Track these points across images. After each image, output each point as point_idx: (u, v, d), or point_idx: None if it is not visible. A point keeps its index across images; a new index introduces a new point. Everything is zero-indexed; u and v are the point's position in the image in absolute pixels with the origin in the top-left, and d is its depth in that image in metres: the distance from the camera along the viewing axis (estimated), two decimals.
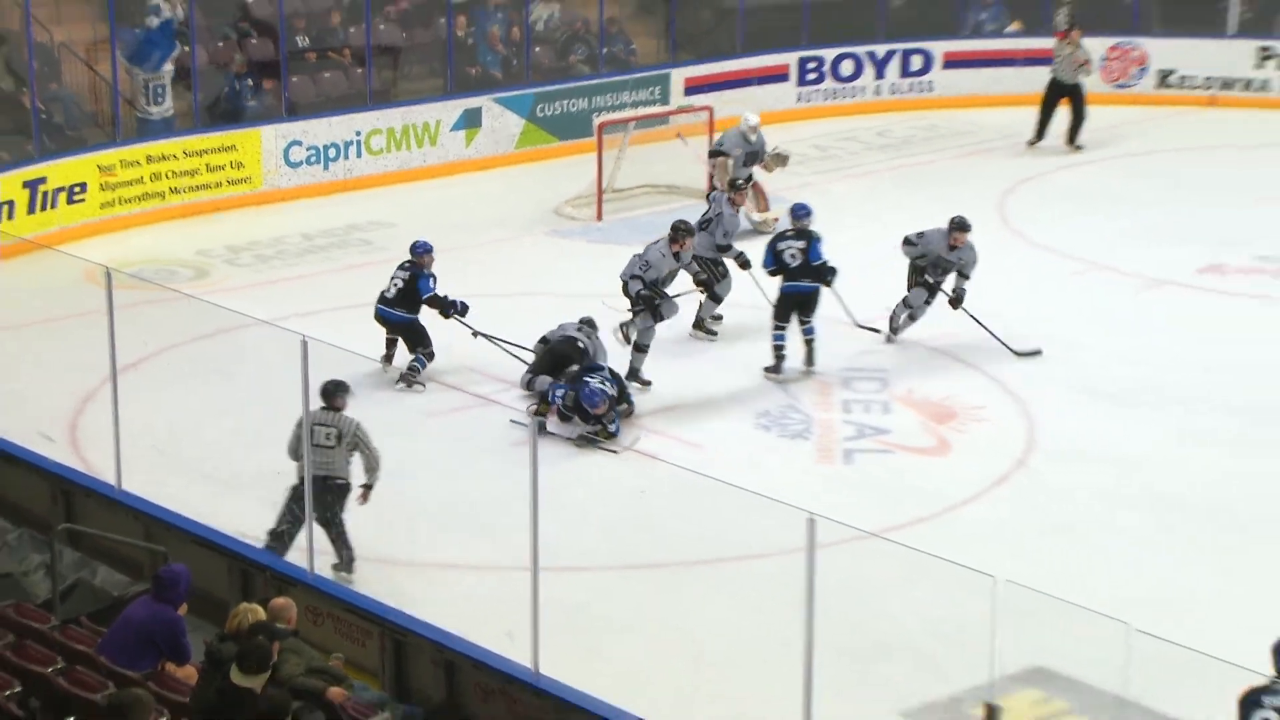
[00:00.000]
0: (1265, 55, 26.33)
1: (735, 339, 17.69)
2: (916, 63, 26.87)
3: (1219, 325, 18.08)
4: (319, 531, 12.30)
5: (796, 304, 16.64)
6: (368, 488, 12.49)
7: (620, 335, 16.36)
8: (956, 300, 17.26)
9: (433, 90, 24.11)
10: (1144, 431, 15.68)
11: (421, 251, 16.50)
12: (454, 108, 23.71)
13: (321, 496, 12.29)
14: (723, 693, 11.54)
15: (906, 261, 17.48)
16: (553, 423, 15.11)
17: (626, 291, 16.35)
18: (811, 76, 26.45)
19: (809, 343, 16.71)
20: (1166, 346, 17.51)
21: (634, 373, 16.29)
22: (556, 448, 14.81)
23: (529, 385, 15.99)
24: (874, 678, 11.62)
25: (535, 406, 15.57)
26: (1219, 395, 16.28)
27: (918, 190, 22.82)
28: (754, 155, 20.73)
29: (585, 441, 15.12)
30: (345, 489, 12.49)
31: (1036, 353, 17.16)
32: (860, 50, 26.65)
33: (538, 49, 25.32)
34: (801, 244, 16.60)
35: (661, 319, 16.48)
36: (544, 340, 16.29)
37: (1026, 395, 16.25)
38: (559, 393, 15.26)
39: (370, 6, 23.48)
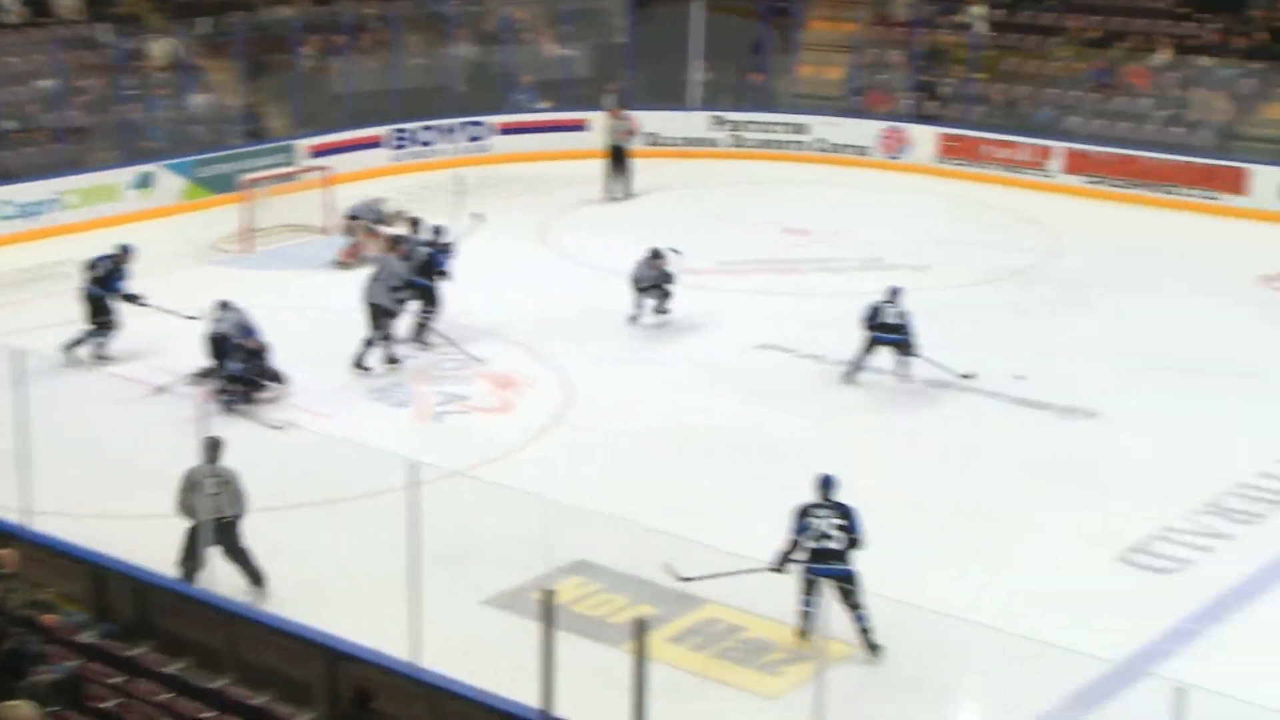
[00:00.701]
0: (717, 121, 27.02)
1: (352, 337, 17.37)
2: (477, 131, 26.82)
3: (693, 310, 18.43)
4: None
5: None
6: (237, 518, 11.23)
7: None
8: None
9: (115, 159, 23.05)
10: (642, 384, 15.92)
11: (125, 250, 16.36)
12: (130, 172, 22.69)
13: (219, 537, 11.07)
14: (354, 594, 11.27)
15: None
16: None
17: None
18: (402, 142, 26.18)
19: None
20: (656, 327, 17.79)
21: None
22: (224, 421, 14.27)
23: (205, 375, 15.39)
24: (461, 577, 11.50)
25: (210, 388, 15.06)
26: (697, 358, 16.63)
27: (488, 219, 22.75)
28: (381, 218, 20.60)
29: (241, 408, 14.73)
30: (235, 525, 11.18)
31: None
32: (436, 123, 26.48)
33: (196, 127, 24.51)
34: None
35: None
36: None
37: (566, 365, 16.30)
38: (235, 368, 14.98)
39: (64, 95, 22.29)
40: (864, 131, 26.45)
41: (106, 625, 10.06)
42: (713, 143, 27.07)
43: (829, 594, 10.49)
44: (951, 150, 25.66)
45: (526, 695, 8.62)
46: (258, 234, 21.17)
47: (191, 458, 11.09)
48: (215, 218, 21.78)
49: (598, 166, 24.68)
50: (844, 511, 10.70)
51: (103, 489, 12.97)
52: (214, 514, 11.05)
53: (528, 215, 22.83)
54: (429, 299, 17.12)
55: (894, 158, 26.18)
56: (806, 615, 10.68)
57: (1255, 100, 24.41)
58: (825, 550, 10.58)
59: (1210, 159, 23.39)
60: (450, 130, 26.63)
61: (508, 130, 26.94)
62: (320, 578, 11.61)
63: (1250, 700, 8.37)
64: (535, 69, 27.95)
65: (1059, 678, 10.00)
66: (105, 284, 16.29)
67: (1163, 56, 25.17)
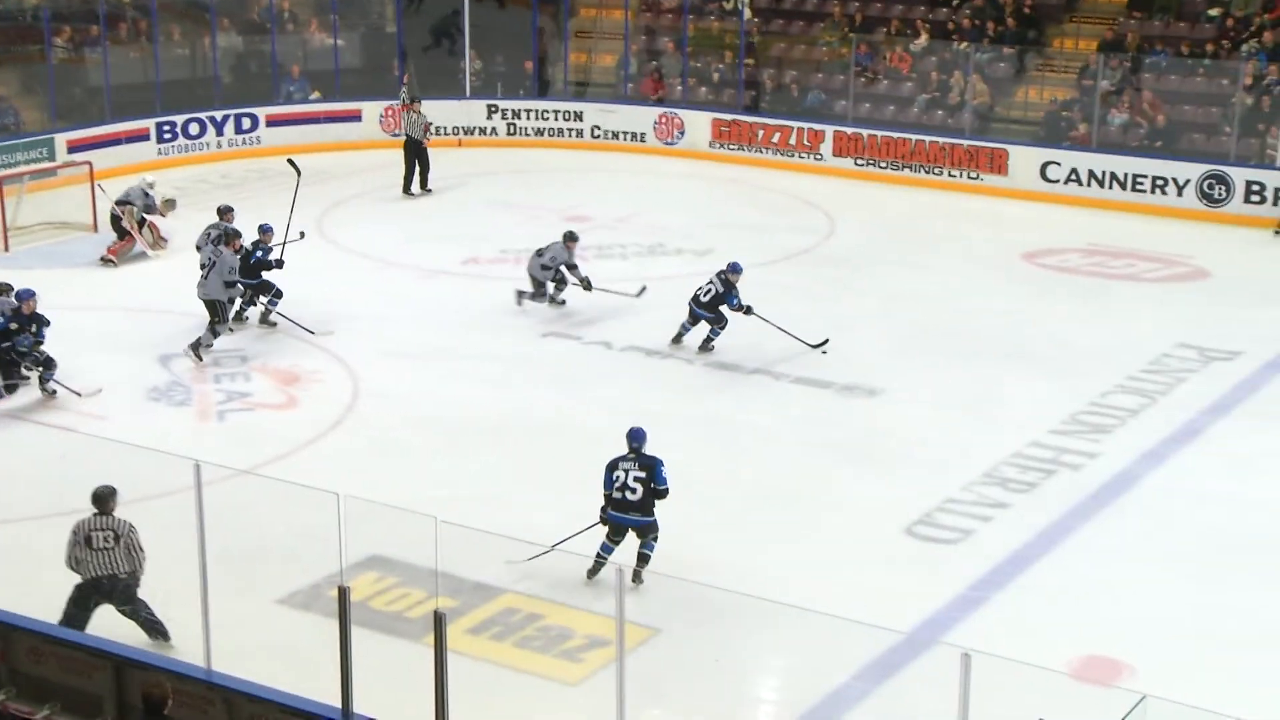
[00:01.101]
0: (492, 110, 26.89)
1: (125, 336, 16.81)
2: (246, 123, 26.14)
3: (478, 299, 18.36)
4: None
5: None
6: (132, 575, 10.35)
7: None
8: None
9: None
10: (430, 376, 15.75)
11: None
12: None
13: (111, 594, 10.23)
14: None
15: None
16: None
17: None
18: (168, 135, 25.35)
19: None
20: (441, 317, 17.65)
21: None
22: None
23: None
24: (254, 577, 11.23)
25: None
26: (485, 348, 16.54)
27: (256, 215, 22.16)
28: (152, 205, 20.01)
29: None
30: (131, 581, 10.29)
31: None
32: (203, 115, 25.73)
33: None
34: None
35: None
36: None
37: (350, 360, 16.06)
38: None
39: None
40: (639, 118, 26.63)
41: None
42: (489, 131, 26.94)
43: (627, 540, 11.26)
44: (725, 135, 26.00)
45: (326, 694, 8.45)
46: (16, 231, 20.34)
47: None
48: None
49: (374, 158, 24.37)
50: (646, 463, 11.32)
51: None
52: (106, 570, 10.19)
53: (301, 208, 22.31)
54: (264, 289, 16.96)
55: (670, 144, 26.41)
56: (599, 558, 11.32)
57: (1010, 84, 25.32)
58: (625, 501, 11.25)
59: (971, 140, 24.16)
60: (218, 122, 25.94)
61: (277, 122, 26.36)
62: None
63: (1031, 662, 8.65)
64: (304, 59, 27.43)
65: (853, 650, 10.23)
66: None
67: (920, 42, 25.93)
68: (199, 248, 17.71)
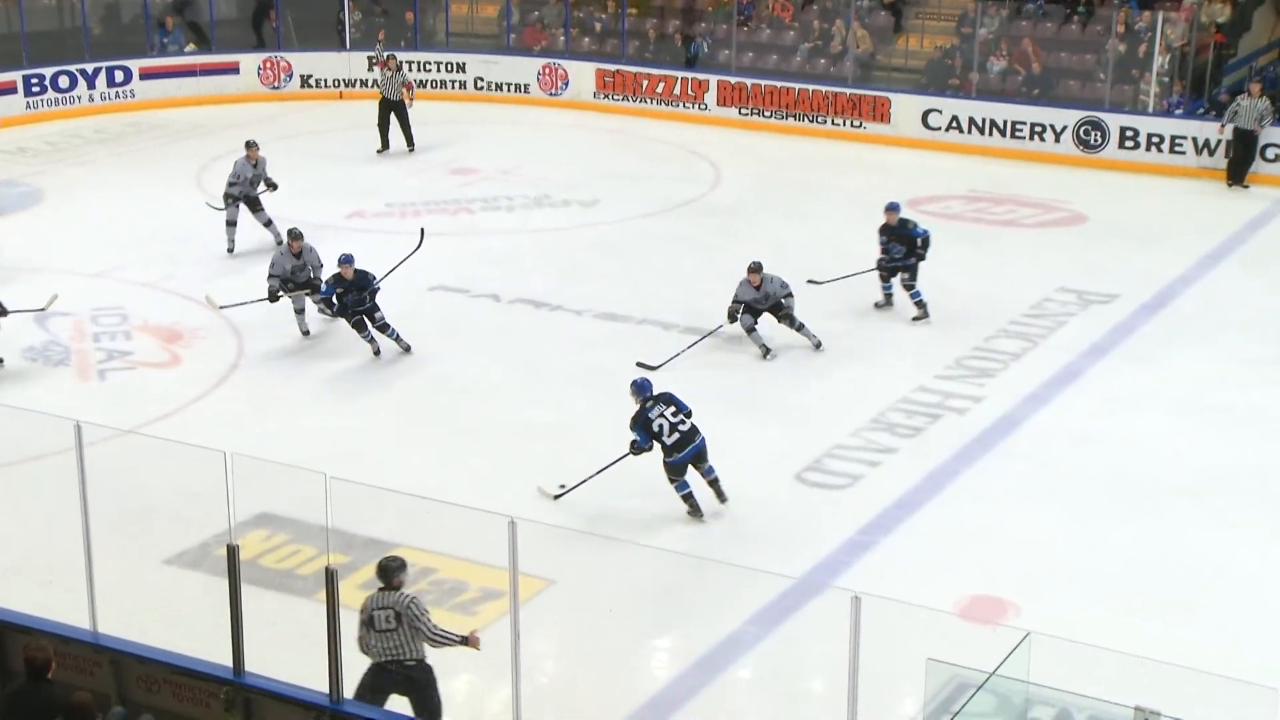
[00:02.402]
0: (373, 62, 26.45)
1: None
2: (119, 76, 25.54)
3: (363, 254, 18.13)
4: None
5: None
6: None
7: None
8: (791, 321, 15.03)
9: None
10: (314, 331, 15.56)
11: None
12: None
13: (400, 685, 8.70)
14: (25, 565, 10.69)
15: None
16: None
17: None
18: (36, 89, 24.71)
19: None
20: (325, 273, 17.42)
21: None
22: None
23: None
24: (141, 539, 11.07)
25: None
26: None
27: (134, 172, 21.80)
28: None
29: None
30: (423, 670, 8.73)
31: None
32: (73, 68, 25.09)
33: None
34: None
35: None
36: None
37: (232, 316, 15.78)
38: None
39: None
40: (522, 69, 26.44)
41: None
42: (370, 84, 26.55)
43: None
44: (610, 86, 25.91)
45: (218, 654, 8.37)
46: None
47: None
48: None
49: (253, 111, 23.96)
50: (668, 398, 11.75)
51: None
52: (390, 656, 8.69)
53: (181, 163, 21.97)
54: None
55: (554, 94, 26.27)
56: (689, 497, 11.69)
57: (890, 32, 25.50)
58: (684, 435, 11.59)
59: (854, 89, 24.30)
60: (89, 75, 25.32)
61: (151, 75, 25.80)
62: None
63: (919, 604, 8.81)
64: (177, 9, 26.82)
65: (746, 596, 10.33)
66: None
67: None
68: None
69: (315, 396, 14.02)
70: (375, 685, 8.66)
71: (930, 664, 7.12)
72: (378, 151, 22.79)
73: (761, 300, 14.95)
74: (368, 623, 8.67)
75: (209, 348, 15.09)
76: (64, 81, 24.98)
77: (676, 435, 11.60)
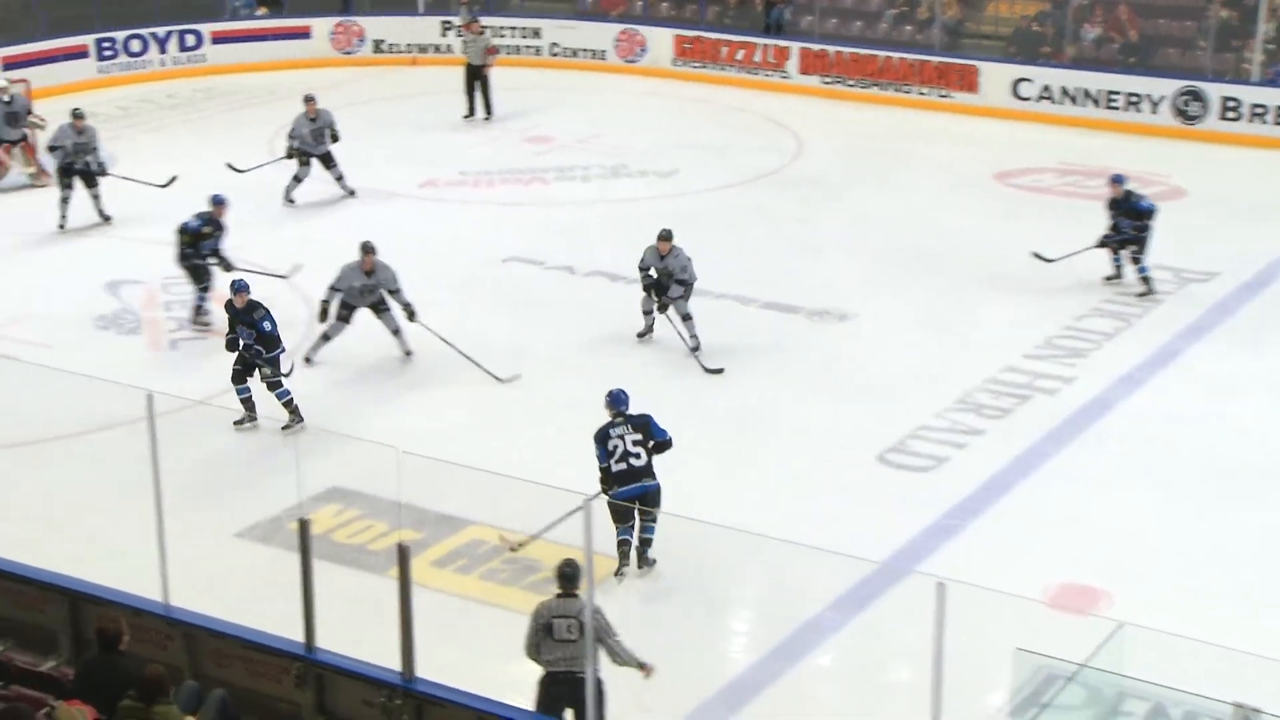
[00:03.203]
0: (447, 27, 26.58)
1: (73, 262, 16.66)
2: (191, 40, 25.83)
3: (435, 223, 18.28)
4: None
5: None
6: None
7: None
8: (664, 305, 14.24)
9: None
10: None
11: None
12: None
13: (570, 699, 8.45)
14: (97, 535, 10.86)
15: None
16: None
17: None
18: (108, 53, 25.03)
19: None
20: (398, 243, 17.50)
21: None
22: None
23: None
24: (212, 511, 11.21)
25: None
26: (442, 274, 16.41)
27: (205, 135, 22.05)
28: (14, 116, 19.22)
29: None
30: (596, 684, 8.35)
31: (719, 370, 14.08)
32: (145, 31, 25.40)
33: None
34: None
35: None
36: None
37: (306, 285, 15.79)
38: None
39: None
40: (599, 35, 26.41)
41: None
42: (444, 49, 26.65)
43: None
44: (688, 53, 25.83)
45: (288, 629, 8.46)
46: None
47: None
48: None
49: (324, 76, 24.12)
50: (639, 422, 10.50)
51: None
52: (565, 668, 8.50)
53: (252, 129, 22.14)
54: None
55: (631, 61, 26.23)
56: (622, 545, 10.35)
57: None
58: (630, 470, 10.33)
59: (941, 57, 24.08)
60: (161, 39, 25.59)
61: (223, 39, 26.04)
62: (59, 518, 11.14)
63: (1007, 591, 8.73)
64: None
65: (827, 581, 10.29)
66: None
67: None
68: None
69: (389, 369, 14.09)
70: (552, 696, 8.49)
71: (1018, 654, 7.07)
72: (463, 118, 22.84)
73: (662, 274, 14.20)
74: (545, 629, 8.47)
75: (280, 317, 15.07)
76: (135, 45, 25.29)
77: (623, 466, 10.30)
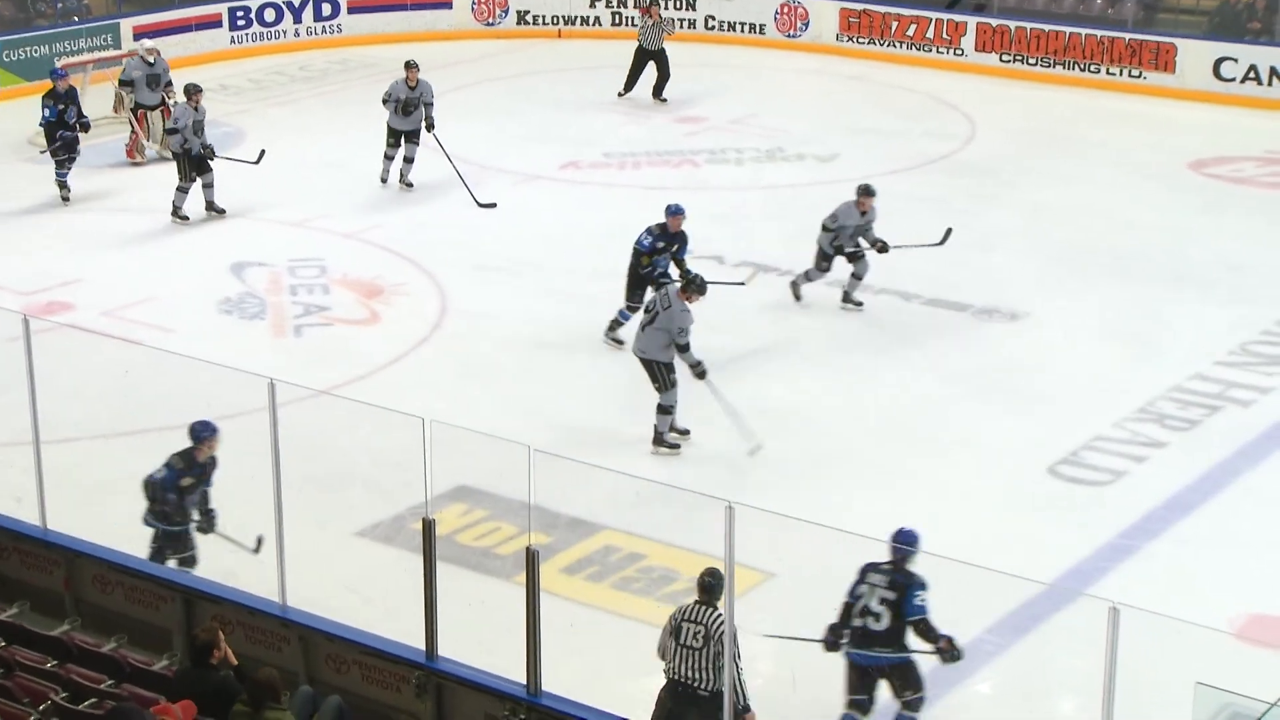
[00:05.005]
0: (635, 3, 26.59)
1: (197, 243, 17.07)
2: (326, 9, 26.29)
3: (577, 208, 18.39)
4: None
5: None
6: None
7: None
8: (883, 248, 14.85)
9: None
10: (523, 291, 15.79)
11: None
12: None
13: (688, 712, 8.54)
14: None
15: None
16: None
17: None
18: (241, 22, 25.57)
19: None
20: (537, 228, 17.68)
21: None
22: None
23: None
24: (333, 507, 11.40)
25: None
26: (583, 263, 16.52)
27: (338, 109, 22.45)
28: (155, 79, 19.75)
29: None
30: (713, 700, 8.37)
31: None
32: (280, 0, 25.93)
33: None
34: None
35: None
36: None
37: (437, 272, 16.15)
38: None
39: None
40: (758, 8, 26.36)
41: None
42: (592, 21, 26.80)
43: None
44: (854, 27, 25.69)
45: (409, 635, 8.58)
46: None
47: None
48: (29, 107, 21.16)
49: (466, 49, 24.39)
50: (900, 581, 8.91)
51: None
52: (684, 677, 8.52)
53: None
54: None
55: (792, 36, 26.15)
56: (852, 706, 9.00)
57: None
58: (864, 631, 8.90)
59: (1134, 33, 23.65)
60: (296, 8, 26.09)
61: (360, 9, 26.46)
62: None
63: (1188, 620, 8.56)
64: None
65: (989, 602, 10.17)
66: None
67: None
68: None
69: (522, 362, 14.22)
70: (668, 710, 8.48)
71: (1199, 689, 6.92)
72: (619, 94, 22.92)
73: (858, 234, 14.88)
74: (673, 631, 8.56)
75: (410, 305, 15.44)
76: (270, 15, 25.81)
77: (859, 624, 8.89)
